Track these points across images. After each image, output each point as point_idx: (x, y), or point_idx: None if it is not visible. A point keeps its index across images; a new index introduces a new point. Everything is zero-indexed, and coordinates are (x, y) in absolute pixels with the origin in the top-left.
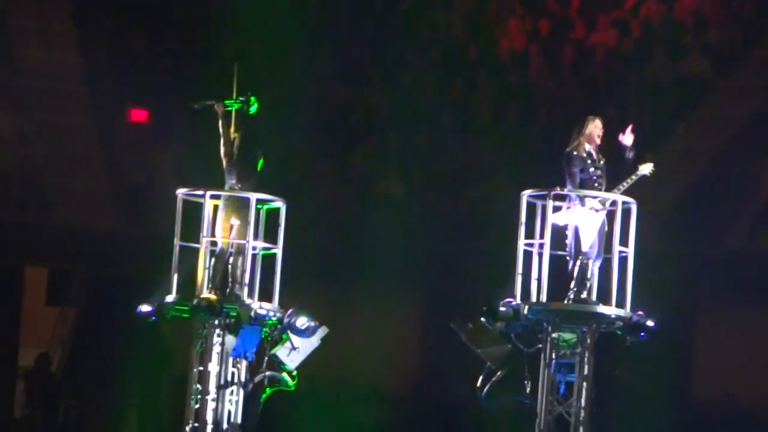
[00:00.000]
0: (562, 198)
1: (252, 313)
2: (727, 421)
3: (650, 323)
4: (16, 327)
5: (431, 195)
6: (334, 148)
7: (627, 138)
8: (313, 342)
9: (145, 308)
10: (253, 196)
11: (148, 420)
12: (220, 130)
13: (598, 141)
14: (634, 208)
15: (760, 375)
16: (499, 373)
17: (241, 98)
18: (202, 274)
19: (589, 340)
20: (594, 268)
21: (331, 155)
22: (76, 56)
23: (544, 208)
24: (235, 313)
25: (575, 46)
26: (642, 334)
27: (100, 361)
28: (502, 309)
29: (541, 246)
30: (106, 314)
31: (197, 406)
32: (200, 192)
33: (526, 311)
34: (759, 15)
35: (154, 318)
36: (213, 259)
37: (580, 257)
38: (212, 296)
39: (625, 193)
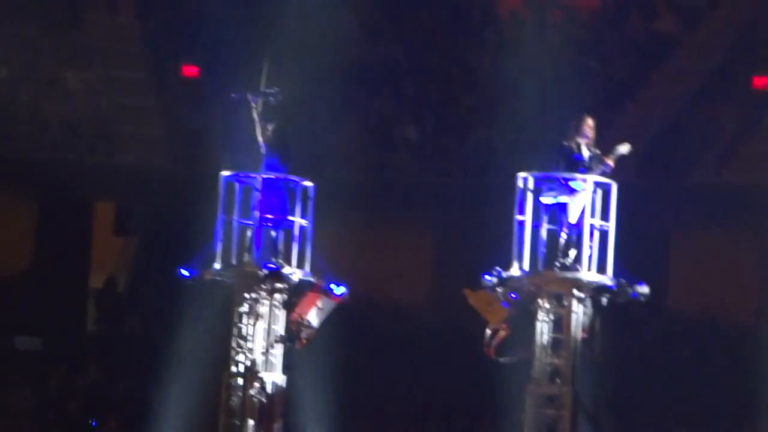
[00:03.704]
0: (551, 179)
1: (314, 281)
2: (701, 332)
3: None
4: (88, 254)
5: (441, 137)
6: (357, 97)
7: (623, 148)
8: (333, 303)
9: (188, 271)
10: (299, 180)
11: (202, 334)
12: (255, 118)
13: (590, 135)
14: (613, 188)
15: (725, 289)
16: (501, 332)
17: (269, 90)
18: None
19: (571, 302)
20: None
21: (355, 104)
22: (136, 20)
23: (530, 189)
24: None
25: (563, 8)
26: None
27: (159, 282)
28: (487, 278)
29: (525, 222)
30: (164, 242)
31: (239, 357)
32: (252, 175)
33: (506, 277)
34: None
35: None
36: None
37: (564, 230)
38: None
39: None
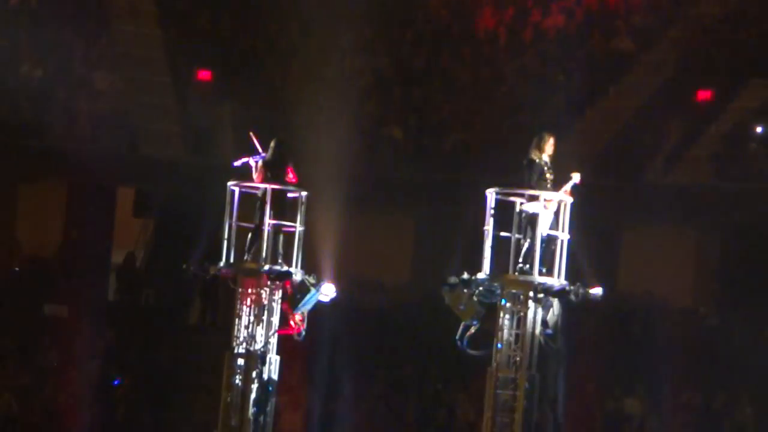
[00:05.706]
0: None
1: (313, 280)
2: (646, 310)
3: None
4: (110, 233)
5: (423, 138)
6: (350, 102)
7: (575, 177)
8: (319, 297)
9: (195, 268)
10: (301, 192)
11: (210, 306)
12: (254, 174)
13: (550, 151)
14: (568, 205)
15: (668, 276)
16: (472, 327)
17: (263, 154)
18: (264, 249)
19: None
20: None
21: (348, 107)
22: (157, 29)
23: (494, 200)
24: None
25: (533, 27)
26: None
27: (172, 259)
28: (453, 280)
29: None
30: (177, 224)
31: (241, 341)
32: (260, 185)
33: (471, 280)
34: (672, 3)
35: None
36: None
37: (528, 238)
38: (281, 266)
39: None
